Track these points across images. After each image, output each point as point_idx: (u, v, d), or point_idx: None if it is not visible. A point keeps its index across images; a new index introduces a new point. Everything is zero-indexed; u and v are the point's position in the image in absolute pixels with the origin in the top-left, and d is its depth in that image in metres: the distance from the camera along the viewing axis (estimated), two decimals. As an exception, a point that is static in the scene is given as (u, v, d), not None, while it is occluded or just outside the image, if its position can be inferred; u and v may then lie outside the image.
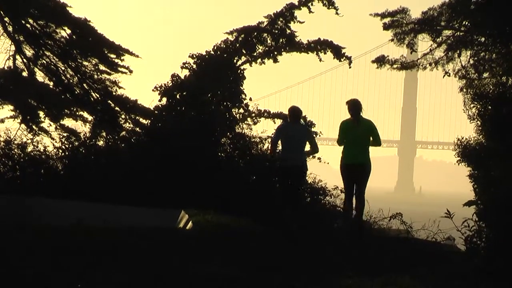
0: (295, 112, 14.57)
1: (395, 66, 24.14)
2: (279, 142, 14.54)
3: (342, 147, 13.37)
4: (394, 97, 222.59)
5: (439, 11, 22.44)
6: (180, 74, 20.62)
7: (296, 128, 14.41)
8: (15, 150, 18.37)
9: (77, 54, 21.46)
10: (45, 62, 21.41)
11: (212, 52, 20.93)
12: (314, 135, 15.39)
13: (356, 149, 13.12)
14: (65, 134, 19.51)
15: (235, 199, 16.34)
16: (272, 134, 16.07)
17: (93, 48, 21.35)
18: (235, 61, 21.08)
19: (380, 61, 24.14)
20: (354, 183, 13.19)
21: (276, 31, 21.19)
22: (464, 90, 20.08)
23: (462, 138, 19.30)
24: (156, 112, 20.37)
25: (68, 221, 11.88)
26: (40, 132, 21.60)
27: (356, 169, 13.09)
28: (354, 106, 13.28)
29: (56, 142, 18.84)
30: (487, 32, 21.44)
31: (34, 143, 18.74)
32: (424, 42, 23.33)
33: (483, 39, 21.92)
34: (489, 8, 20.60)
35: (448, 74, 22.93)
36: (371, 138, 13.28)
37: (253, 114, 21.01)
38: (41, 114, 21.97)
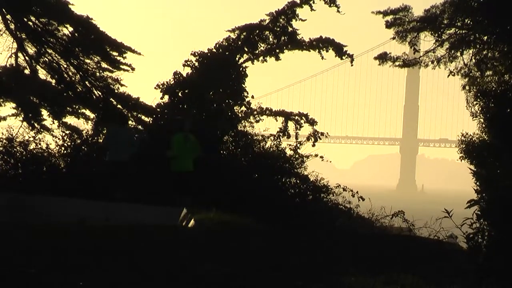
0: None
1: (397, 63, 24.12)
2: None
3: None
4: (396, 95, 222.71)
5: (442, 9, 22.40)
6: (182, 72, 20.60)
7: None
8: (17, 148, 18.34)
9: (79, 51, 21.46)
10: (47, 59, 21.42)
11: (214, 50, 20.90)
12: None
13: (183, 158, 15.70)
14: (67, 132, 19.46)
15: (237, 197, 16.33)
16: None
17: (95, 46, 21.35)
18: (237, 59, 21.04)
19: (382, 57, 24.12)
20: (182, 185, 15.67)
21: (278, 29, 21.15)
22: (467, 88, 20.06)
23: (466, 134, 19.32)
24: (158, 109, 20.35)
25: (70, 219, 11.88)
26: (42, 129, 21.59)
27: (183, 174, 15.69)
28: (183, 124, 16.09)
29: (58, 139, 18.80)
30: (489, 30, 21.41)
31: (36, 141, 18.70)
32: (426, 41, 23.32)
33: (485, 37, 21.89)
34: (491, 6, 20.58)
35: (453, 74, 22.86)
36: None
37: (255, 112, 20.98)
38: (43, 111, 21.98)
